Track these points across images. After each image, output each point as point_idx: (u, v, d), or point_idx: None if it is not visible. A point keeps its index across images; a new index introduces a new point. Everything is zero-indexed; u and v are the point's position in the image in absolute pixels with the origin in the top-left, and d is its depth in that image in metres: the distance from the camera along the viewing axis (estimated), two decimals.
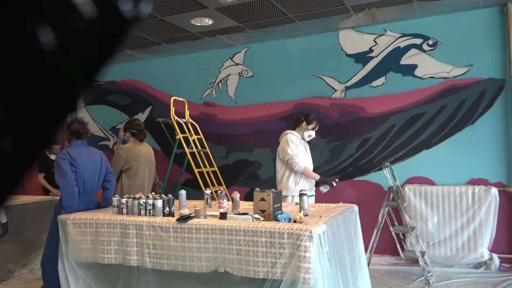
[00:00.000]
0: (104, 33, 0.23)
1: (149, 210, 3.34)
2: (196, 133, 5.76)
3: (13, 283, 4.55)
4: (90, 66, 0.24)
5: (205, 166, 5.45)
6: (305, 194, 3.36)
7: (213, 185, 5.30)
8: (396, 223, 4.93)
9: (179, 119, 5.41)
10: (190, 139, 5.52)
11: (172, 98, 5.48)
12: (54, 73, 0.22)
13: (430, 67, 5.13)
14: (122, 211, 3.46)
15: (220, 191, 3.68)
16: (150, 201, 3.35)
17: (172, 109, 5.39)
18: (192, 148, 5.35)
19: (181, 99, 5.74)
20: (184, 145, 5.31)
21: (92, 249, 3.35)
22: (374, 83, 5.41)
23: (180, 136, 5.33)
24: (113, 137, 7.06)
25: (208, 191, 4.07)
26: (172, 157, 5.72)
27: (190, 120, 5.80)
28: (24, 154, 0.23)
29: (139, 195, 3.50)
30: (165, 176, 6.05)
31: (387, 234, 4.93)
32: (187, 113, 5.83)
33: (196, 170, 5.24)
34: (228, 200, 3.59)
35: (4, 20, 0.22)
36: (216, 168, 5.60)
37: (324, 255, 2.66)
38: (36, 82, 0.22)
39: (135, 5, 0.23)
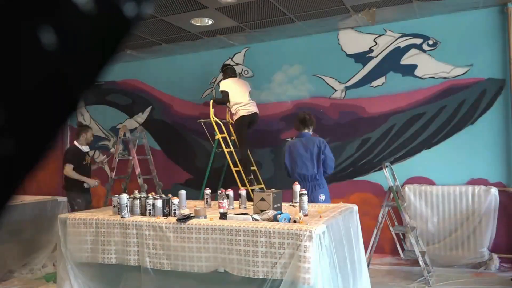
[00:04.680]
0: (106, 33, 0.23)
1: (149, 210, 3.34)
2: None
3: (13, 283, 4.55)
4: (92, 66, 0.24)
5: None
6: (305, 194, 3.36)
7: (252, 184, 5.30)
8: (396, 223, 4.93)
9: (218, 120, 5.43)
10: (228, 139, 5.52)
11: (211, 100, 5.53)
12: (55, 74, 0.22)
13: (430, 67, 5.13)
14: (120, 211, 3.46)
15: (220, 191, 3.72)
16: (150, 201, 3.35)
17: (212, 110, 5.43)
18: (230, 147, 5.37)
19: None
20: (223, 145, 5.32)
21: (92, 249, 3.35)
22: (374, 83, 5.41)
23: (219, 136, 5.37)
24: (113, 137, 7.06)
25: (207, 191, 4.10)
26: (211, 157, 5.69)
27: (231, 121, 5.80)
28: (26, 156, 0.23)
29: (139, 195, 3.50)
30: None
31: (387, 234, 4.93)
32: (227, 114, 5.80)
33: (234, 169, 5.21)
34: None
35: (5, 21, 0.22)
36: (255, 167, 5.57)
37: (324, 255, 2.66)
38: (38, 83, 0.22)
39: (136, 6, 0.23)
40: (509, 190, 4.77)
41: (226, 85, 5.31)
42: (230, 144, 5.41)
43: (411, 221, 4.82)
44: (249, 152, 5.35)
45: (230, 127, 5.75)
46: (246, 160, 5.26)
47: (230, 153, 5.35)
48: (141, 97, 6.90)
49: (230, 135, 5.59)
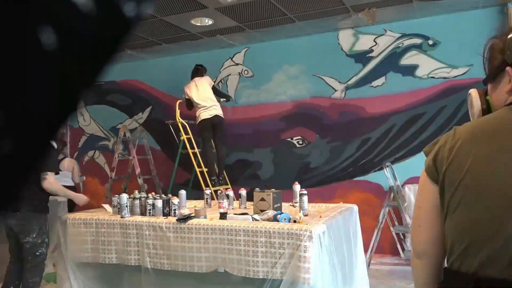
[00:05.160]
0: (106, 33, 0.23)
1: (149, 210, 3.34)
2: None
3: None
4: (92, 66, 0.24)
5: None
6: (305, 194, 3.36)
7: (215, 185, 5.31)
8: (396, 223, 4.93)
9: (183, 121, 5.49)
10: (193, 140, 5.55)
11: (178, 102, 5.57)
12: (55, 74, 0.22)
13: (430, 67, 5.13)
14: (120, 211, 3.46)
15: (220, 191, 3.72)
16: (150, 201, 3.35)
17: (178, 112, 5.48)
18: (194, 148, 5.40)
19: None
20: (188, 146, 5.37)
21: (92, 249, 3.35)
22: (374, 83, 5.41)
23: (184, 137, 5.41)
24: (113, 137, 7.06)
25: (208, 191, 4.10)
26: (177, 157, 5.76)
27: None
28: (25, 157, 0.23)
29: (139, 195, 3.50)
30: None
31: (388, 234, 4.93)
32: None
33: (197, 170, 5.26)
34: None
35: (5, 20, 0.22)
36: (215, 170, 5.58)
37: (324, 255, 2.66)
38: (37, 83, 0.22)
39: (136, 5, 0.23)
40: None
41: (188, 90, 5.36)
42: (195, 145, 5.43)
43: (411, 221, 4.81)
44: (218, 154, 5.38)
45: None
46: (211, 161, 5.30)
47: (194, 154, 5.39)
48: (141, 97, 6.90)
49: (196, 136, 5.63)
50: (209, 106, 5.24)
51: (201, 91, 5.29)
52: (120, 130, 5.94)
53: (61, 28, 0.22)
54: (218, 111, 5.29)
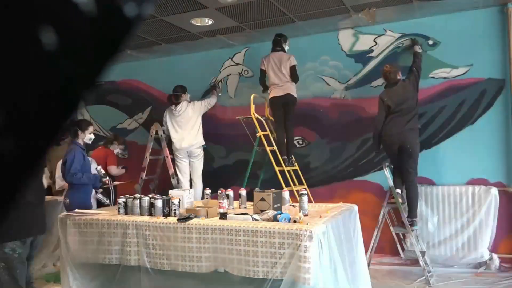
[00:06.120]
0: (107, 33, 0.23)
1: (149, 210, 3.34)
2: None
3: None
4: (93, 66, 0.24)
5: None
6: (305, 194, 3.36)
7: (294, 184, 5.05)
8: (396, 223, 4.93)
9: (259, 116, 5.16)
10: (271, 136, 5.17)
11: (252, 96, 5.24)
12: (56, 74, 0.22)
13: (430, 67, 5.13)
14: (120, 211, 3.46)
15: (220, 191, 3.72)
16: (150, 201, 3.36)
17: (252, 107, 5.15)
18: (273, 146, 5.04)
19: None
20: (265, 142, 5.04)
21: (92, 250, 3.35)
22: (374, 83, 5.41)
23: (261, 133, 5.07)
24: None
25: (207, 191, 4.10)
26: (252, 156, 5.46)
27: (271, 118, 5.49)
28: (28, 156, 0.23)
29: (139, 195, 3.51)
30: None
31: (388, 234, 4.93)
32: (267, 110, 5.55)
33: (277, 169, 4.96)
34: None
35: (6, 21, 0.22)
36: (297, 167, 5.25)
37: (324, 255, 2.66)
38: (39, 83, 0.22)
39: (137, 6, 0.23)
40: (509, 190, 4.76)
41: (265, 62, 5.19)
42: (273, 143, 5.08)
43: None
44: (287, 134, 5.12)
45: (269, 124, 5.49)
46: (282, 141, 5.08)
47: (273, 152, 5.02)
48: (141, 97, 6.90)
49: (271, 132, 5.33)
50: (281, 84, 5.02)
51: (275, 68, 5.07)
52: (152, 128, 5.82)
53: (62, 29, 0.22)
54: (290, 90, 5.02)
